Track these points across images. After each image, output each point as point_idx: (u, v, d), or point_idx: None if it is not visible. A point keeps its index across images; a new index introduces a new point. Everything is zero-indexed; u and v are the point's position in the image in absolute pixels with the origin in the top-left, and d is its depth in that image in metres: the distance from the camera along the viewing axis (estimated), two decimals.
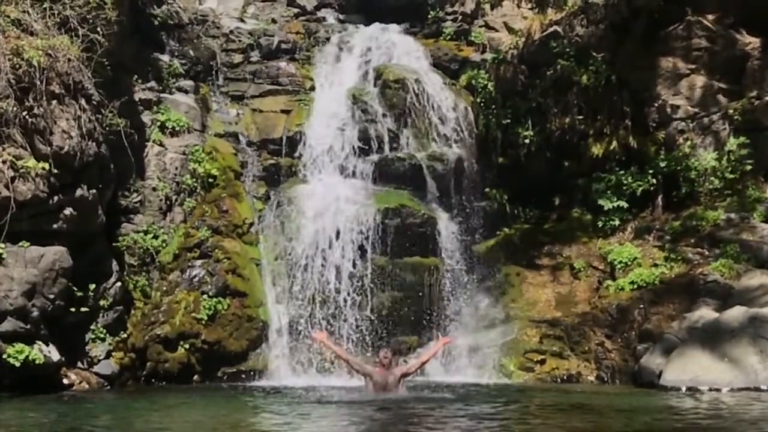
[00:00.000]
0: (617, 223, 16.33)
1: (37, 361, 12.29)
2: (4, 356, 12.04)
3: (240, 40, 19.67)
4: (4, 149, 12.68)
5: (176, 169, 16.56)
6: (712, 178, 15.83)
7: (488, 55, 19.31)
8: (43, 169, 12.89)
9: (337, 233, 15.90)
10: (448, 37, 20.55)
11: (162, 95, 17.37)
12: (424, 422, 9.31)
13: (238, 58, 19.35)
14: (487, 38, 20.31)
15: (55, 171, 13.07)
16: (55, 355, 12.84)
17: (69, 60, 13.56)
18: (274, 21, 20.92)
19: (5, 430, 8.95)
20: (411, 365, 12.32)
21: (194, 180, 16.52)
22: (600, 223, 16.46)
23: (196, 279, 15.31)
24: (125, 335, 14.54)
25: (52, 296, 12.91)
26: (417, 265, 16.10)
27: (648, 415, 9.83)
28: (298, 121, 17.91)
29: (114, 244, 15.15)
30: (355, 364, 12.10)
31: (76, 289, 13.50)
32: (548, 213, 17.45)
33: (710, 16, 16.43)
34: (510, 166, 17.54)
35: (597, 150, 16.71)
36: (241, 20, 20.60)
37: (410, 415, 9.80)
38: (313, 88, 18.88)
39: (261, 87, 18.84)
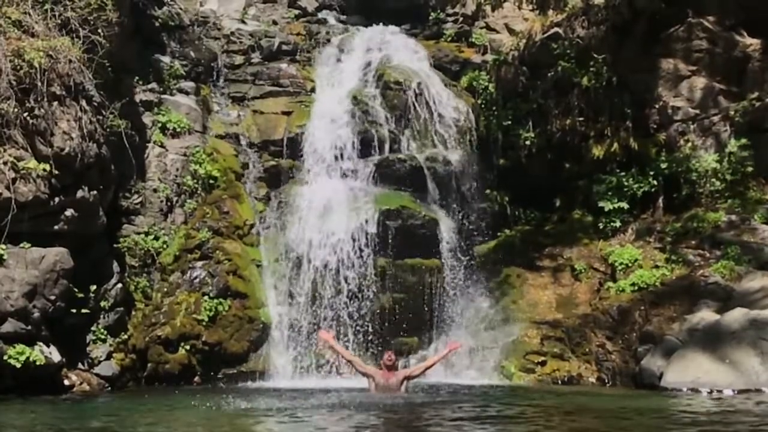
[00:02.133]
0: (618, 224, 16.32)
1: (37, 363, 12.29)
2: (5, 357, 12.04)
3: (241, 42, 19.70)
4: (5, 150, 12.69)
5: (177, 170, 16.56)
6: (713, 180, 15.82)
7: (489, 57, 19.34)
8: (44, 170, 12.89)
9: (338, 234, 15.89)
10: (449, 38, 20.59)
11: (163, 96, 17.39)
12: (427, 425, 9.30)
13: (239, 59, 19.39)
14: (488, 40, 20.35)
15: (56, 172, 13.08)
16: (55, 357, 12.84)
17: (70, 61, 13.57)
18: (275, 22, 20.96)
19: (6, 431, 8.95)
20: (416, 368, 12.38)
21: (195, 181, 16.52)
22: (601, 225, 16.45)
23: (197, 280, 15.31)
24: (126, 336, 14.56)
25: (53, 297, 12.92)
26: (418, 267, 16.10)
27: (650, 416, 9.82)
28: (299, 122, 17.92)
29: (115, 245, 15.17)
30: (358, 365, 12.14)
31: (76, 290, 13.51)
32: (549, 214, 17.43)
33: (711, 18, 16.42)
34: (511, 168, 17.53)
35: (598, 151, 16.70)
36: (242, 22, 20.63)
37: (413, 418, 9.78)
38: (314, 90, 18.90)
39: (262, 88, 18.86)
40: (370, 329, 15.45)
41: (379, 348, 15.16)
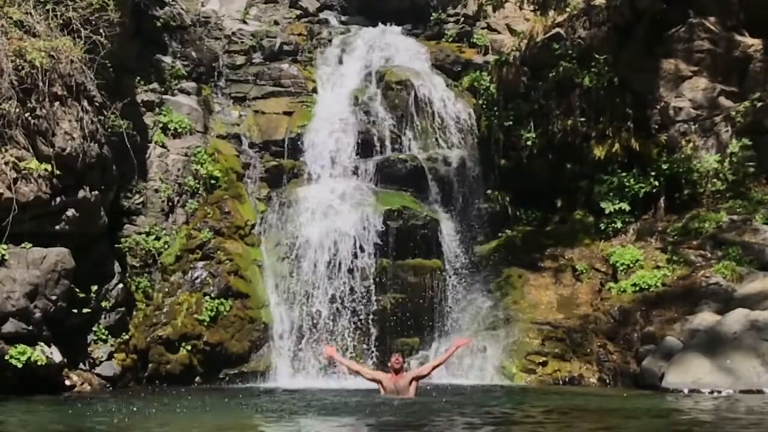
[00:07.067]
0: (619, 225, 16.32)
1: (39, 363, 12.31)
2: (7, 357, 12.06)
3: (242, 42, 19.71)
4: (6, 150, 12.70)
5: (178, 170, 16.58)
6: (715, 181, 15.82)
7: (490, 57, 19.34)
8: (46, 170, 12.90)
9: (339, 234, 15.89)
10: (450, 38, 20.58)
11: (164, 97, 17.41)
12: (430, 426, 9.30)
13: (240, 59, 19.41)
14: (489, 40, 20.33)
15: (58, 172, 13.10)
16: (57, 357, 12.86)
17: (71, 61, 13.59)
18: (276, 23, 20.96)
19: (7, 431, 8.95)
20: (423, 368, 12.42)
21: (196, 181, 16.54)
22: (602, 226, 16.44)
23: (198, 280, 15.31)
24: (127, 336, 14.58)
25: (54, 297, 12.93)
26: (419, 267, 16.09)
27: (651, 417, 9.82)
28: (300, 122, 17.93)
29: (116, 245, 15.18)
30: (366, 374, 12.30)
31: (78, 290, 13.53)
32: (550, 215, 17.43)
33: (712, 18, 16.42)
34: (512, 168, 17.53)
35: (599, 152, 16.69)
36: (244, 22, 20.63)
37: (416, 420, 9.77)
38: (315, 90, 18.94)
39: (263, 88, 18.88)
40: (372, 329, 15.44)
41: (381, 348, 15.18)
